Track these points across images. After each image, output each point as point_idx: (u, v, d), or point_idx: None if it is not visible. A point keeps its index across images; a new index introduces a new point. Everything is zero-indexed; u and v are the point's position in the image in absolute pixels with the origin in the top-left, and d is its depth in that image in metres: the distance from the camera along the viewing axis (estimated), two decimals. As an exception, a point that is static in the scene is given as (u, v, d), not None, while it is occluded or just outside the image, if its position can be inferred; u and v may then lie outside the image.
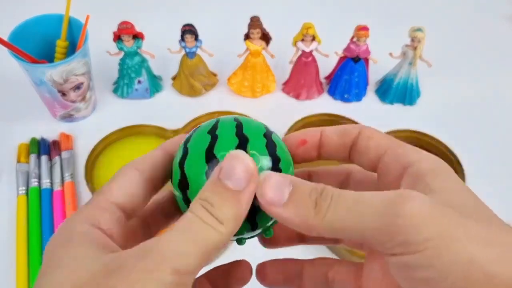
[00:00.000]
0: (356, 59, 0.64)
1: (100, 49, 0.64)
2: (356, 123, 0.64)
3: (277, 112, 0.66)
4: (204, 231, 0.20)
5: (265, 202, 0.22)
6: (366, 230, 0.20)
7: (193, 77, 0.65)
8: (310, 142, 0.27)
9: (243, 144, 0.24)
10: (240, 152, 0.22)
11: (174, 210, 0.27)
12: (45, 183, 0.57)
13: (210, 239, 0.20)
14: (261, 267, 0.28)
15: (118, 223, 0.23)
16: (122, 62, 0.64)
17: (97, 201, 0.23)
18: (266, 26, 0.62)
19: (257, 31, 0.61)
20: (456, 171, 0.59)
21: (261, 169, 0.23)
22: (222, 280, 0.28)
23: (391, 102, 0.68)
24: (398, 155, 0.24)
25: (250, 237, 0.26)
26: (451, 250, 0.19)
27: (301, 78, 0.66)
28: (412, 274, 0.20)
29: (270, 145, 0.24)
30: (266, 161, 0.24)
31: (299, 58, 0.64)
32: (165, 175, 0.26)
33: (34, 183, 0.57)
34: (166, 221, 0.28)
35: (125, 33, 0.60)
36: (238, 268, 0.28)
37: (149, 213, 0.27)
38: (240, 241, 0.26)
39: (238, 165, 0.21)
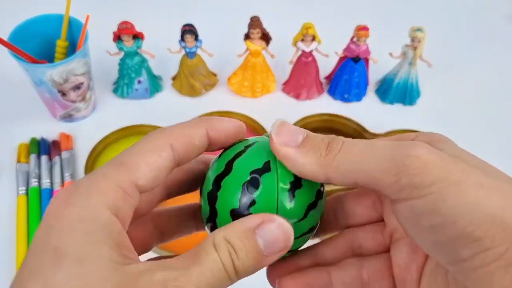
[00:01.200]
0: (356, 59, 0.64)
1: (100, 49, 0.64)
2: (356, 123, 0.64)
3: (277, 112, 0.66)
4: (221, 277, 0.20)
5: (280, 142, 0.22)
6: (375, 171, 0.21)
7: (193, 77, 0.65)
8: None
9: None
10: (286, 223, 0.22)
11: (188, 217, 0.27)
12: (45, 183, 0.57)
13: (222, 284, 0.20)
14: (282, 285, 0.26)
15: (135, 210, 0.22)
16: (122, 62, 0.64)
17: (120, 179, 0.21)
18: (266, 26, 0.62)
19: (257, 31, 0.61)
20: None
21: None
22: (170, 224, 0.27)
23: (391, 102, 0.68)
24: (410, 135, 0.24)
25: None
26: (456, 195, 0.19)
27: (301, 78, 0.66)
28: (420, 221, 0.20)
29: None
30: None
31: (299, 58, 0.64)
32: (194, 171, 0.25)
33: (34, 183, 0.57)
34: (177, 225, 0.27)
35: (125, 33, 0.60)
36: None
37: (162, 213, 0.27)
38: None
39: (279, 234, 0.21)
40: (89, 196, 0.20)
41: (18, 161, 0.59)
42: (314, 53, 0.64)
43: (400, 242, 0.26)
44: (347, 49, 0.63)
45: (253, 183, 0.23)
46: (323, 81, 0.69)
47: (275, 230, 0.21)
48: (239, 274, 0.21)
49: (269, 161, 0.23)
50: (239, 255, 0.20)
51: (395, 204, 0.21)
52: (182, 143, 0.22)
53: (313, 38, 0.62)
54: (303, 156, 0.22)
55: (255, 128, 0.63)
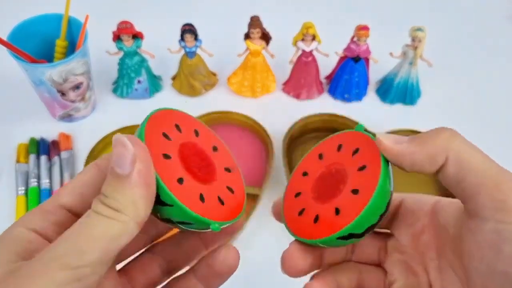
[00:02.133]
0: (357, 59, 0.64)
1: (100, 49, 0.64)
2: (356, 123, 0.64)
3: (277, 112, 0.66)
4: (103, 224, 0.20)
5: (391, 141, 0.25)
6: (484, 178, 0.21)
7: (193, 77, 0.65)
8: None
9: None
10: (120, 136, 0.22)
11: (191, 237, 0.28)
12: (45, 183, 0.57)
13: (111, 230, 0.20)
14: None
15: (60, 225, 0.23)
16: (121, 62, 0.63)
17: (44, 204, 0.23)
18: (266, 26, 0.62)
19: (257, 30, 0.61)
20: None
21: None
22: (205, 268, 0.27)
23: (392, 102, 0.67)
24: (495, 201, 0.22)
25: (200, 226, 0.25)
26: None
27: (301, 78, 0.66)
28: (502, 247, 0.20)
29: None
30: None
31: (299, 58, 0.64)
32: None
33: (33, 183, 0.56)
34: (185, 251, 0.28)
35: (125, 32, 0.60)
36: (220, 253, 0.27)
37: (165, 245, 0.28)
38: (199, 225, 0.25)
39: (121, 149, 0.22)
40: (16, 223, 0.23)
41: (18, 161, 0.59)
42: (314, 53, 0.64)
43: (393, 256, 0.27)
44: (348, 49, 0.63)
45: None
46: (323, 81, 0.69)
47: (114, 149, 0.22)
48: (123, 209, 0.21)
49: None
50: (107, 194, 0.21)
51: (482, 222, 0.21)
52: (105, 159, 0.24)
53: (313, 38, 0.62)
54: (414, 146, 0.23)
55: (255, 128, 0.63)
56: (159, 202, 0.24)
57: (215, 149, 0.28)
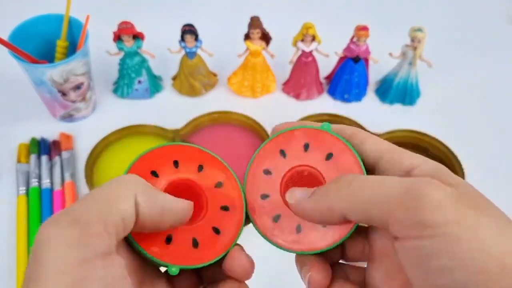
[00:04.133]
0: (356, 59, 0.64)
1: (100, 49, 0.64)
2: (356, 123, 0.64)
3: (277, 112, 0.66)
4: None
5: (295, 201, 0.25)
6: (388, 204, 0.21)
7: (193, 77, 0.65)
8: None
9: None
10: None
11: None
12: (45, 183, 0.57)
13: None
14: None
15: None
16: (122, 62, 0.64)
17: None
18: (266, 26, 0.62)
19: (257, 31, 0.61)
20: (456, 171, 0.59)
21: None
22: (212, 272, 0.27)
23: (391, 102, 0.68)
24: (396, 159, 0.24)
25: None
26: (471, 238, 0.19)
27: (301, 78, 0.66)
28: (426, 262, 0.20)
29: None
30: None
31: (299, 58, 0.64)
32: None
33: (34, 183, 0.57)
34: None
35: (125, 33, 0.60)
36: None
37: None
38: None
39: None
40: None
41: (18, 161, 0.59)
42: (314, 53, 0.64)
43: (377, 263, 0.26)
44: (347, 49, 0.63)
45: None
46: (323, 81, 0.69)
47: None
48: None
49: None
50: None
51: (402, 242, 0.21)
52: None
53: (313, 38, 0.62)
54: (316, 203, 0.24)
55: (255, 128, 0.63)
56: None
57: (218, 185, 0.27)
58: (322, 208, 0.24)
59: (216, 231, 0.26)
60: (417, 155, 0.24)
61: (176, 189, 0.26)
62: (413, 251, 0.20)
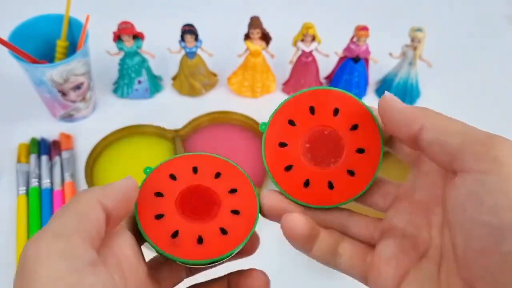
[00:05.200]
0: (356, 59, 0.64)
1: (100, 49, 0.64)
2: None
3: (277, 112, 0.66)
4: None
5: (389, 96, 0.26)
6: (467, 136, 0.22)
7: (193, 77, 0.65)
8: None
9: None
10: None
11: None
12: (45, 183, 0.57)
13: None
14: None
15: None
16: (122, 62, 0.64)
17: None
18: (266, 26, 0.62)
19: (257, 31, 0.61)
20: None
21: None
22: None
23: (391, 102, 0.67)
24: (481, 153, 0.22)
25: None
26: None
27: (301, 78, 0.66)
28: (483, 198, 0.20)
29: None
30: None
31: (299, 58, 0.64)
32: None
33: (34, 183, 0.57)
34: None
35: (125, 33, 0.60)
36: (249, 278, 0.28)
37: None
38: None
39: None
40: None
41: (18, 161, 0.59)
42: (314, 53, 0.64)
43: (390, 238, 0.27)
44: (347, 49, 0.63)
45: None
46: (323, 81, 0.69)
47: None
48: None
49: None
50: None
51: (466, 175, 0.21)
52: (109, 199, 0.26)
53: (313, 38, 0.62)
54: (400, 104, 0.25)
55: (255, 128, 0.63)
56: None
57: (232, 191, 0.29)
58: (408, 112, 0.24)
59: (224, 231, 0.28)
60: (504, 142, 0.22)
61: (191, 192, 0.28)
62: (475, 185, 0.21)
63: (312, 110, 0.29)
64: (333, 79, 0.67)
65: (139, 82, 0.65)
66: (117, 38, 0.61)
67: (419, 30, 0.61)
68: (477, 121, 0.69)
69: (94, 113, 0.65)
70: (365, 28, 0.61)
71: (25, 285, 0.20)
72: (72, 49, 0.60)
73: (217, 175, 0.29)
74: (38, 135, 0.62)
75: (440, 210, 0.25)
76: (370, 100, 0.68)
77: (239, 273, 0.29)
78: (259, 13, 0.62)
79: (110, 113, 0.65)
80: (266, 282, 0.28)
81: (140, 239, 0.27)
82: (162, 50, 0.65)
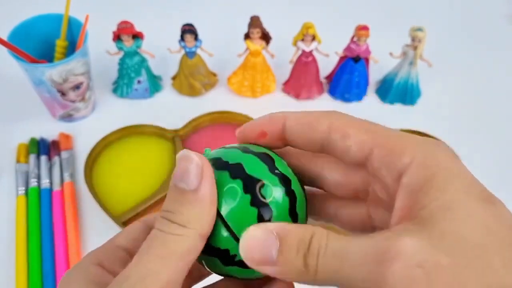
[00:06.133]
0: (357, 59, 0.64)
1: (100, 48, 0.64)
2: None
3: (277, 112, 0.66)
4: (171, 241, 0.20)
5: (255, 263, 0.20)
6: (356, 281, 0.19)
7: (193, 77, 0.65)
8: (270, 135, 0.24)
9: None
10: (186, 151, 0.21)
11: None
12: (45, 183, 0.57)
13: (178, 247, 0.20)
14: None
15: (121, 262, 0.23)
16: (121, 62, 0.64)
17: (104, 244, 0.24)
18: (266, 26, 0.62)
19: (257, 30, 0.61)
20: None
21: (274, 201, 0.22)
22: None
23: (392, 102, 0.67)
24: (386, 158, 0.21)
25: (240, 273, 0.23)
26: None
27: (301, 78, 0.66)
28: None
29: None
30: (278, 193, 0.22)
31: (299, 58, 0.64)
32: None
33: (33, 183, 0.56)
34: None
35: (125, 32, 0.60)
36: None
37: None
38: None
39: (186, 164, 0.21)
40: (82, 260, 0.23)
41: (18, 161, 0.59)
42: (314, 53, 0.64)
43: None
44: (348, 48, 0.63)
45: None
46: (323, 81, 0.69)
47: (179, 164, 0.21)
48: (188, 224, 0.21)
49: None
50: (173, 210, 0.21)
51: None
52: (149, 218, 0.26)
53: (313, 38, 0.62)
54: (284, 273, 0.20)
55: (255, 128, 0.63)
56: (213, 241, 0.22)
57: None
58: (291, 279, 0.21)
59: None
60: (410, 141, 0.22)
61: None
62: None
63: None
64: (333, 79, 0.67)
65: (139, 82, 0.65)
66: (117, 37, 0.61)
67: (420, 29, 0.60)
68: (477, 121, 0.70)
69: (93, 113, 0.65)
70: (365, 28, 0.61)
71: None
72: (71, 48, 0.60)
73: None
74: (37, 135, 0.62)
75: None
76: (370, 100, 0.68)
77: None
78: (259, 13, 0.62)
79: (110, 113, 0.65)
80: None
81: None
82: (161, 50, 0.65)
